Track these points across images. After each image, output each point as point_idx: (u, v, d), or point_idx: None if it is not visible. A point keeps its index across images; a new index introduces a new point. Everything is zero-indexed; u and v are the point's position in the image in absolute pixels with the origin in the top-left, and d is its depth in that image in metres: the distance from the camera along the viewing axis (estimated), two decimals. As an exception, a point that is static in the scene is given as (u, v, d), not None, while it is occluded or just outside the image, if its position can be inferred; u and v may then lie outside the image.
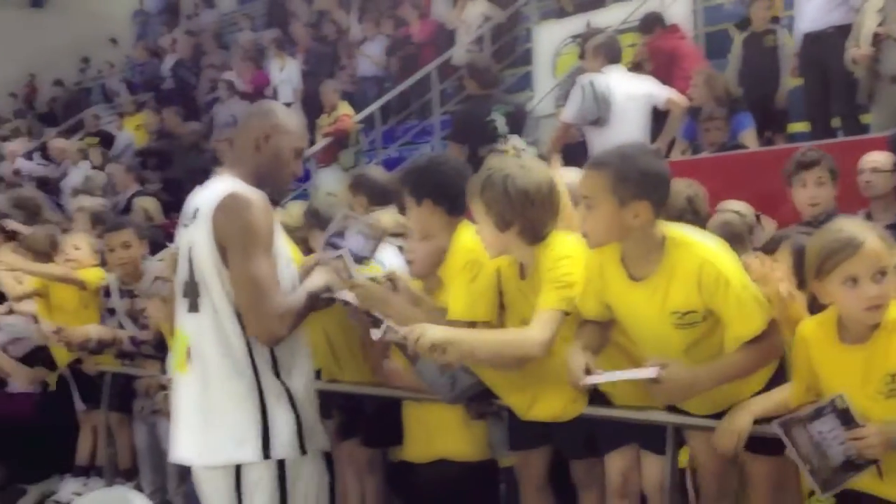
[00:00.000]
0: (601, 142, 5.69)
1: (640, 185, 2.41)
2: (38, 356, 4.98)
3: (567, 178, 3.07)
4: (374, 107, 9.01)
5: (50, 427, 4.91)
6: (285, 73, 10.52)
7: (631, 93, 5.84)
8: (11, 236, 5.39)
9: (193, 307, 2.68)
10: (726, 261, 2.44)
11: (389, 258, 3.36)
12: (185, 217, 2.76)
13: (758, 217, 3.77)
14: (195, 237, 2.67)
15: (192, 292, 2.68)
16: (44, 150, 13.19)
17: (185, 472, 4.21)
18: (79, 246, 4.81)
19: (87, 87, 17.05)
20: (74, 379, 4.83)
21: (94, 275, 4.65)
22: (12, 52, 17.79)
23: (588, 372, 2.49)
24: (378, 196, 3.96)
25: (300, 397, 2.71)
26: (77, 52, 17.98)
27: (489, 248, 2.77)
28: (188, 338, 2.71)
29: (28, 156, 12.85)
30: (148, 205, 7.47)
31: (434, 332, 2.49)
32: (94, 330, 4.43)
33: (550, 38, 9.25)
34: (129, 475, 4.52)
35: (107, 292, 4.58)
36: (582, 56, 6.77)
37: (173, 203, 8.71)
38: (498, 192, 2.66)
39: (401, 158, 9.07)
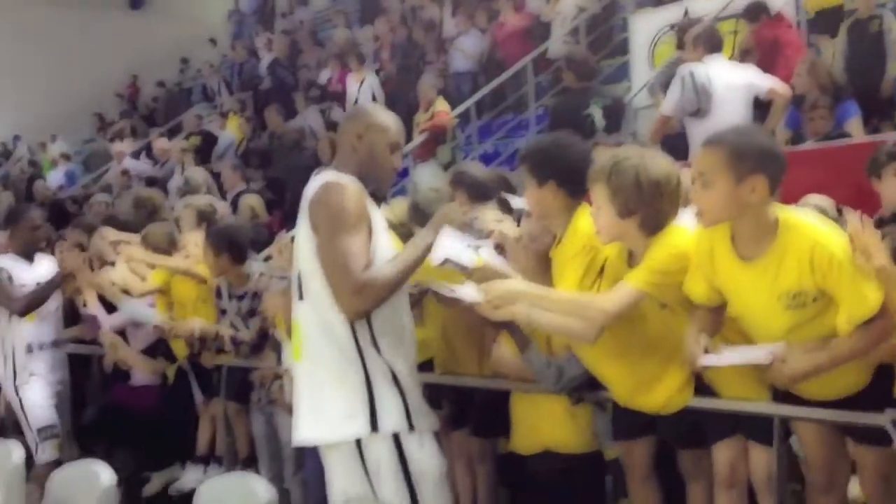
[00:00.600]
0: (701, 133, 5.64)
1: (757, 159, 2.46)
2: (158, 349, 5.22)
3: None
4: (470, 102, 9.11)
5: (171, 418, 5.15)
6: (365, 87, 10.63)
7: (732, 83, 5.79)
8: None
9: (301, 296, 2.87)
10: (839, 242, 2.45)
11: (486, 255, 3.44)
12: (301, 210, 2.92)
13: (840, 211, 3.72)
14: (299, 228, 2.87)
15: (300, 282, 2.87)
16: (149, 151, 13.71)
17: (300, 461, 4.43)
18: (199, 242, 5.03)
19: (188, 88, 17.56)
20: (193, 371, 5.05)
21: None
22: (115, 54, 18.51)
23: (706, 353, 2.53)
24: (478, 192, 4.04)
25: (404, 377, 2.85)
26: (177, 53, 18.54)
27: (604, 233, 2.80)
28: (300, 326, 2.87)
29: (135, 156, 13.37)
30: (253, 202, 7.72)
31: (509, 282, 2.64)
32: (198, 324, 4.67)
33: (647, 28, 9.15)
34: (247, 463, 4.71)
35: (218, 293, 4.78)
36: (681, 46, 6.74)
37: (276, 201, 9.02)
38: (628, 179, 2.69)
39: (496, 153, 9.16)
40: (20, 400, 5.15)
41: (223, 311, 4.68)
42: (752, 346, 2.57)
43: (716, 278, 2.64)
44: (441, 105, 8.88)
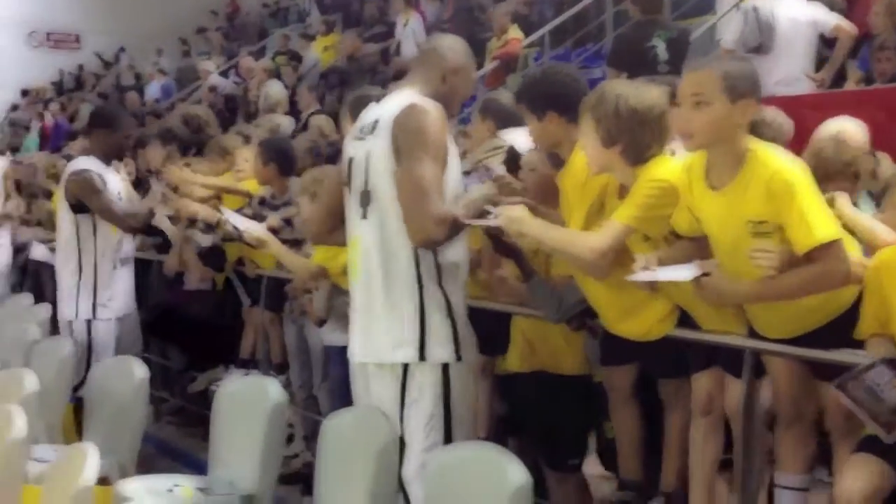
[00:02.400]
0: (763, 70, 5.53)
1: (751, 83, 2.53)
2: (211, 256, 5.45)
3: None
4: (543, 30, 9.04)
5: (219, 322, 5.43)
6: (408, 29, 10.59)
7: (796, 19, 5.66)
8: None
9: (365, 214, 2.95)
10: (797, 174, 2.48)
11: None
12: (362, 129, 3.01)
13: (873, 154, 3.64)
14: (374, 147, 2.91)
15: (366, 200, 2.94)
16: (237, 69, 14.01)
17: (328, 370, 4.65)
18: (248, 158, 5.22)
19: (285, 7, 17.74)
20: (240, 280, 5.29)
21: (255, 185, 5.06)
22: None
23: (645, 269, 2.60)
24: (506, 121, 4.09)
25: (457, 308, 2.96)
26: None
27: (591, 163, 2.88)
28: (359, 244, 2.98)
29: (224, 74, 13.68)
30: (322, 122, 7.88)
31: (520, 213, 2.77)
32: (202, 210, 4.93)
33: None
34: (280, 369, 4.95)
35: (262, 202, 4.97)
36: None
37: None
38: (609, 108, 2.76)
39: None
40: (90, 338, 4.86)
41: (263, 218, 4.86)
42: (683, 265, 2.60)
43: (692, 208, 2.69)
44: (514, 33, 8.84)
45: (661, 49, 6.34)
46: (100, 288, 4.87)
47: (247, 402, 3.67)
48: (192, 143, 5.97)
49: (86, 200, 4.80)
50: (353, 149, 3.07)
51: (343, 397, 4.46)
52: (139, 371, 4.09)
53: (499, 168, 3.47)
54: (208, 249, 5.43)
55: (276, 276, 4.79)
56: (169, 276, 5.65)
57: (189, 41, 17.42)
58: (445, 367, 2.94)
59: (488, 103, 4.24)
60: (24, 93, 17.96)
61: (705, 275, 2.56)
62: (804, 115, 4.06)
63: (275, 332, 4.99)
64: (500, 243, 3.08)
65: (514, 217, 2.80)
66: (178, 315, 5.56)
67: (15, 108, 17.44)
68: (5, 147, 13.40)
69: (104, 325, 4.89)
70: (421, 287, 2.89)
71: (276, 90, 9.61)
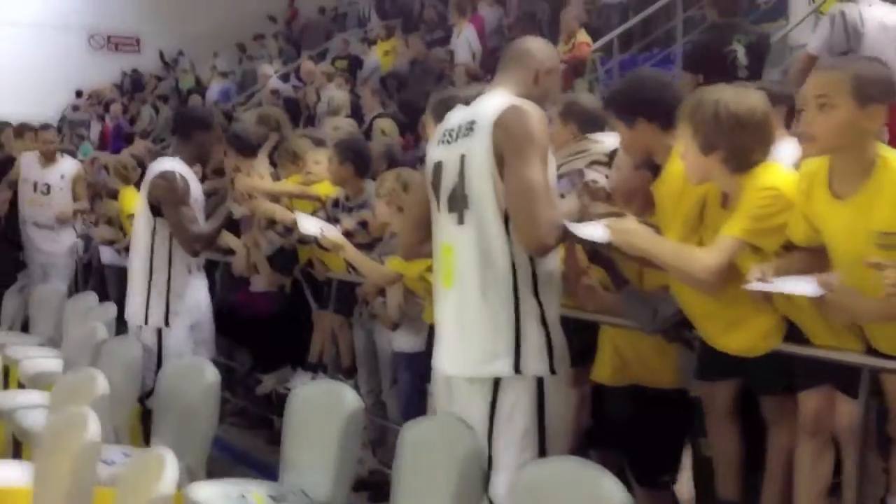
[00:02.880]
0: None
1: (882, 88, 2.39)
2: (279, 258, 5.38)
3: None
4: (613, 34, 8.87)
5: (286, 325, 5.34)
6: (463, 39, 10.45)
7: (886, 24, 5.43)
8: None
9: (461, 220, 2.81)
10: None
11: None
12: (452, 132, 2.89)
13: None
14: (471, 149, 2.79)
15: (460, 205, 2.81)
16: (297, 73, 14.03)
17: (396, 376, 4.54)
18: (318, 161, 5.14)
19: (343, 13, 17.77)
20: (308, 283, 5.21)
21: (326, 188, 4.97)
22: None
23: (761, 280, 2.45)
24: (589, 124, 3.95)
25: (552, 319, 2.82)
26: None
27: (691, 172, 2.75)
28: (454, 252, 2.86)
29: (284, 78, 13.72)
30: (385, 125, 7.85)
31: (632, 225, 2.65)
32: (279, 211, 4.80)
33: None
34: (349, 374, 4.85)
35: (336, 204, 4.87)
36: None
37: (409, 124, 9.07)
38: (708, 113, 2.64)
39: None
40: (160, 346, 4.64)
41: (337, 221, 4.77)
42: (802, 277, 2.44)
43: (812, 218, 2.54)
44: (582, 36, 8.69)
45: (740, 54, 6.15)
46: (173, 295, 4.65)
47: (321, 408, 3.57)
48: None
49: (163, 207, 4.62)
50: (440, 152, 2.95)
51: (412, 404, 4.38)
52: (210, 373, 4.01)
53: (590, 173, 3.33)
54: (277, 252, 5.37)
55: (346, 280, 4.70)
56: (236, 276, 5.60)
57: (247, 46, 17.51)
58: (540, 381, 2.81)
59: (570, 106, 4.08)
60: (79, 94, 18.20)
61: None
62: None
63: (344, 337, 4.89)
64: (595, 252, 2.95)
65: (625, 229, 2.67)
66: (245, 316, 5.50)
67: (76, 108, 17.67)
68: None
69: (175, 334, 4.66)
70: (517, 297, 2.76)
71: (339, 94, 9.59)
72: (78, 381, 3.91)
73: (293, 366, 5.32)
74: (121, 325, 5.26)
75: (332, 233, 4.21)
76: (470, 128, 2.81)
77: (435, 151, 2.99)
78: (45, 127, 7.74)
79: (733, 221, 2.61)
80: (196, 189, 4.77)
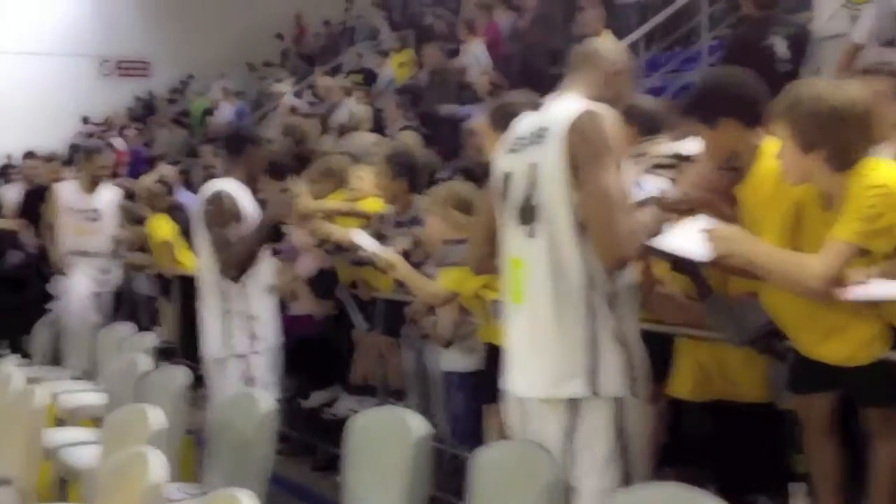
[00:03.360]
0: (896, 65, 5.19)
1: None
2: (320, 281, 5.23)
3: None
4: (637, 34, 8.70)
5: (330, 346, 5.20)
6: (471, 55, 10.25)
7: (935, 9, 5.28)
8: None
9: (531, 232, 2.66)
10: None
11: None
12: (520, 140, 2.75)
13: None
14: (542, 157, 2.63)
15: (531, 216, 2.66)
16: (312, 89, 13.91)
17: (449, 397, 4.39)
18: (362, 176, 4.99)
19: (351, 27, 17.68)
20: (354, 303, 5.06)
21: (372, 205, 4.82)
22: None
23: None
24: (649, 126, 3.81)
25: (630, 335, 2.65)
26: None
27: (790, 173, 2.60)
28: (524, 266, 2.70)
29: (297, 94, 13.59)
30: (408, 138, 7.69)
31: (735, 233, 2.50)
32: (336, 231, 4.65)
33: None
34: (399, 396, 4.70)
35: (382, 219, 4.73)
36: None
37: (431, 136, 8.91)
38: (806, 109, 2.49)
39: (664, 87, 8.72)
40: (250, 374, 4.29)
41: (384, 237, 4.62)
42: None
43: None
44: (606, 38, 8.51)
45: (780, 46, 6.00)
46: (254, 318, 4.30)
47: (385, 437, 3.40)
48: (294, 156, 5.71)
49: (208, 227, 4.29)
50: (509, 161, 2.80)
51: (467, 426, 4.24)
52: (265, 403, 3.85)
53: (655, 180, 3.18)
54: (318, 275, 5.23)
55: (394, 299, 4.56)
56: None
57: (256, 65, 17.44)
58: (619, 401, 2.64)
59: (631, 109, 3.94)
60: (85, 120, 18.12)
61: None
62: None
63: (392, 358, 4.74)
64: (679, 259, 2.78)
65: (727, 236, 2.51)
66: (286, 340, 5.36)
67: (90, 135, 17.60)
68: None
69: (263, 359, 4.36)
70: (593, 312, 2.59)
71: (359, 108, 9.46)
72: (129, 416, 3.75)
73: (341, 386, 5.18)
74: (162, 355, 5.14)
75: (387, 252, 4.05)
76: (541, 135, 2.65)
77: (503, 161, 2.83)
78: (96, 150, 7.27)
79: (842, 224, 2.44)
80: (249, 206, 4.37)
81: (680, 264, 2.82)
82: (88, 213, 6.84)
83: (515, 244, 2.73)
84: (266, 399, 3.84)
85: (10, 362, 5.92)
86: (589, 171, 2.54)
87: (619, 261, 2.55)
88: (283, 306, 5.42)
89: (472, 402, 4.13)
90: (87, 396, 5.43)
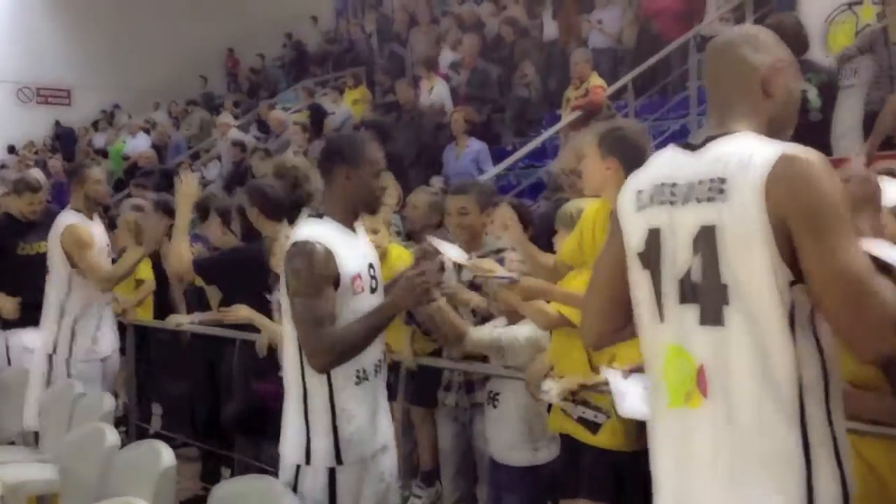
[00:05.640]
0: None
1: None
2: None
3: None
4: (626, 79, 8.29)
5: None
6: (434, 94, 9.82)
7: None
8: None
9: (712, 318, 1.98)
10: None
11: None
12: (675, 189, 2.06)
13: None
14: (722, 218, 1.94)
15: (713, 297, 1.98)
16: (259, 122, 13.19)
17: (494, 483, 3.71)
18: (377, 230, 4.26)
19: (291, 61, 17.05)
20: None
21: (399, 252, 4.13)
22: (215, 27, 18.08)
23: None
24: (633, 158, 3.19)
25: (845, 452, 1.98)
26: (279, 28, 18.05)
27: None
28: (696, 360, 2.02)
29: (244, 129, 12.85)
30: (387, 180, 7.04)
31: None
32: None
33: (819, 6, 8.26)
34: (430, 479, 3.98)
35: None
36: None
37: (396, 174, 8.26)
38: None
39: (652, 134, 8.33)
40: None
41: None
42: None
43: None
44: (595, 80, 8.08)
45: (812, 94, 5.60)
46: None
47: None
48: (289, 204, 4.93)
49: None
50: (656, 215, 2.09)
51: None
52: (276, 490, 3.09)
53: None
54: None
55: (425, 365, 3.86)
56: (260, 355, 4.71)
57: (192, 96, 16.66)
58: None
59: (612, 133, 3.30)
60: (11, 149, 17.02)
61: None
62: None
63: (426, 433, 4.02)
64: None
65: None
66: (275, 408, 4.60)
67: (3, 166, 16.44)
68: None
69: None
70: (805, 421, 1.94)
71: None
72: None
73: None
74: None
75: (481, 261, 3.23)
76: (718, 189, 1.96)
77: (643, 216, 2.12)
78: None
79: None
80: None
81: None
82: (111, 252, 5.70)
83: (675, 328, 2.07)
84: (277, 487, 3.08)
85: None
86: (817, 243, 1.87)
87: (877, 355, 1.92)
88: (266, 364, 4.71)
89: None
90: (30, 470, 4.56)
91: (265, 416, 4.62)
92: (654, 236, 2.08)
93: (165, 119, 15.85)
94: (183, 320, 5.47)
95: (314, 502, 2.79)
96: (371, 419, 2.89)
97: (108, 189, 5.45)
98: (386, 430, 3.00)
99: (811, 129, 5.64)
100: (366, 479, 2.87)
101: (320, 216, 2.93)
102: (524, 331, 3.43)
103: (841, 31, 8.15)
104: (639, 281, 2.12)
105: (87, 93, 18.43)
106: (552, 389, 2.98)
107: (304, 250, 2.79)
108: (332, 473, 2.81)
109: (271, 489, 2.93)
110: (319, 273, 2.76)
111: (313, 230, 2.86)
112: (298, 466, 2.85)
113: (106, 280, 5.22)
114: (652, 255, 2.08)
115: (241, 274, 4.70)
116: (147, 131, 14.83)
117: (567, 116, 7.99)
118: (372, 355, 2.89)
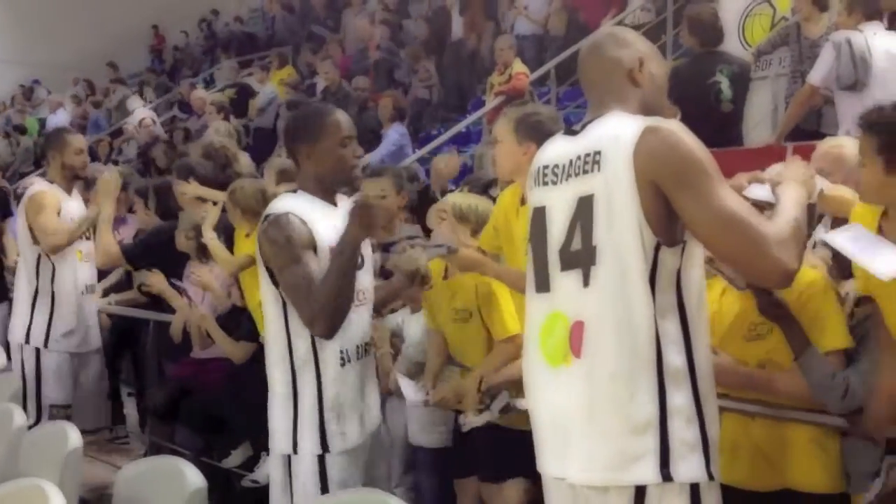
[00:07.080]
0: (855, 109, 4.96)
1: None
2: (231, 321, 4.50)
3: None
4: (549, 65, 8.39)
5: (243, 398, 4.44)
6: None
7: (892, 52, 5.10)
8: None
9: (585, 281, 2.11)
10: None
11: None
12: (557, 169, 2.21)
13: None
14: (599, 189, 2.10)
15: (584, 261, 2.11)
16: (181, 103, 12.98)
17: (412, 463, 3.77)
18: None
19: (216, 40, 16.78)
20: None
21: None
22: (139, 3, 17.68)
23: None
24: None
25: (708, 406, 2.13)
26: (205, 5, 17.73)
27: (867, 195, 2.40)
28: (570, 320, 2.14)
29: (167, 107, 12.65)
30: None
31: None
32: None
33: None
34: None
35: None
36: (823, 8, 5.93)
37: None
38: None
39: (567, 121, 8.40)
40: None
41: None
42: None
43: None
44: (519, 67, 8.14)
45: (724, 85, 5.76)
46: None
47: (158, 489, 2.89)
48: (217, 183, 4.90)
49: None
50: (540, 196, 2.27)
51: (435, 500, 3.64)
52: (192, 477, 3.09)
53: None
54: (228, 314, 4.50)
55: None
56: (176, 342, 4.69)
57: (114, 73, 16.27)
58: (695, 489, 2.10)
59: (527, 118, 3.39)
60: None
61: None
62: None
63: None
64: (770, 302, 2.32)
65: None
66: (190, 390, 4.60)
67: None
68: None
69: None
70: (662, 379, 2.07)
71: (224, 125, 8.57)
72: (18, 494, 2.94)
73: (255, 446, 4.43)
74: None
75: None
76: (593, 161, 2.12)
77: (534, 194, 2.31)
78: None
79: None
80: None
81: (769, 307, 2.37)
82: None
83: (561, 295, 2.18)
84: (192, 471, 3.09)
85: None
86: (684, 198, 2.04)
87: (785, 275, 2.03)
88: (183, 349, 4.70)
89: (448, 484, 3.58)
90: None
91: (178, 399, 4.63)
92: (538, 214, 2.25)
93: (85, 96, 15.50)
94: (101, 302, 5.39)
95: (305, 492, 2.73)
96: (357, 403, 2.81)
97: (88, 160, 4.97)
98: (375, 414, 2.93)
99: (723, 119, 5.82)
100: (356, 464, 2.80)
101: (295, 192, 2.86)
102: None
103: (758, 23, 8.29)
104: (529, 259, 2.28)
105: (4, 67, 17.85)
106: (475, 421, 3.14)
107: (278, 222, 2.70)
108: (321, 461, 2.73)
109: (179, 469, 2.92)
110: (298, 240, 2.67)
111: (286, 203, 2.79)
112: (288, 457, 2.76)
113: (52, 234, 4.59)
114: (537, 231, 2.24)
115: (167, 253, 4.68)
116: (66, 107, 14.50)
117: (491, 102, 8.04)
118: (352, 337, 2.79)
